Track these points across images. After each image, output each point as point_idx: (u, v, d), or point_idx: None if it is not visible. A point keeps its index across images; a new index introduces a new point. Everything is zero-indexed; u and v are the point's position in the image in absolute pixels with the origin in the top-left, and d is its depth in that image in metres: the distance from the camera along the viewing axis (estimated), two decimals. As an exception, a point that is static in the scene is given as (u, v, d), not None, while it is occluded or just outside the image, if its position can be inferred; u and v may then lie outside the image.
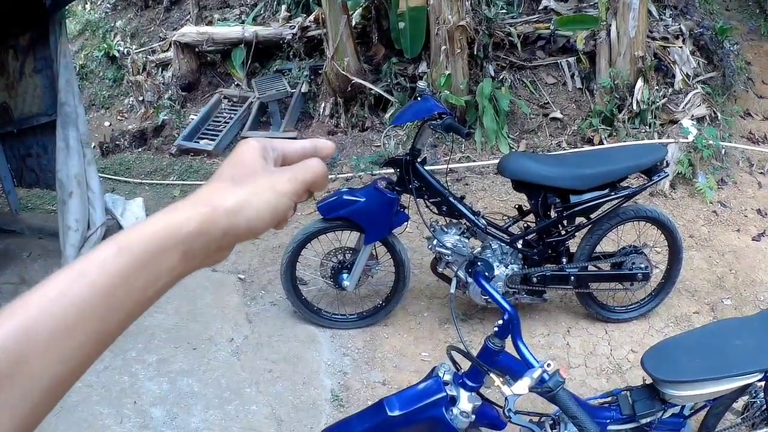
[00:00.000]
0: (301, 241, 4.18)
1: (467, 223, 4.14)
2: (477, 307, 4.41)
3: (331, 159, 6.51)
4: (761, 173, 6.17)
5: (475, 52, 6.72)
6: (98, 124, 8.78)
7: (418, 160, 4.05)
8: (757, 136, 6.67)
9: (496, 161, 4.85)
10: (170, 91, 8.29)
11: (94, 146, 7.49)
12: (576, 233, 4.21)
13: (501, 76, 6.91)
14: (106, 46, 9.44)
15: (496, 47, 6.99)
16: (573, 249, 4.27)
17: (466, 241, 4.11)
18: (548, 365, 2.15)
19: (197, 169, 6.78)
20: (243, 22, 8.36)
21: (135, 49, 9.21)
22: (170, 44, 8.49)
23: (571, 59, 7.02)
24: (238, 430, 3.71)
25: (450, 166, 5.78)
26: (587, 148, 6.27)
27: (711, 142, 5.93)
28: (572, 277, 4.17)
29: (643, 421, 2.73)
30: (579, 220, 4.17)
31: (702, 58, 7.09)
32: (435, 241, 4.09)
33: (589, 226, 4.16)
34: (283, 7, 8.20)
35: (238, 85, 8.10)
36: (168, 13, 9.72)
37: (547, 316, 4.53)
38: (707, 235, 5.39)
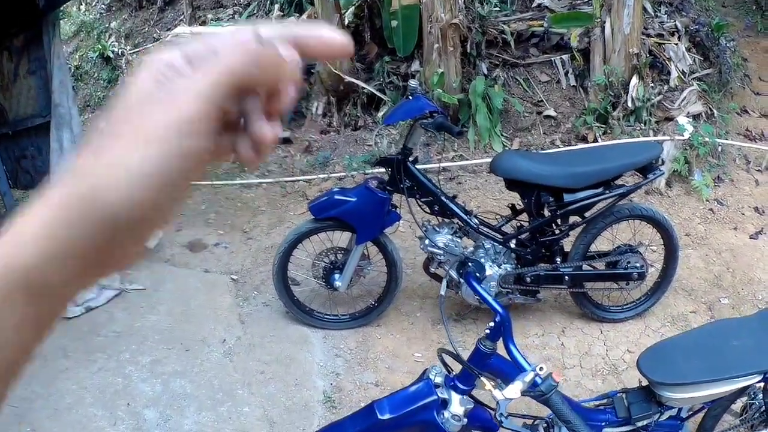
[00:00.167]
0: (293, 241, 4.15)
1: (459, 223, 4.11)
2: (470, 307, 4.37)
3: (325, 156, 6.49)
4: (758, 170, 6.14)
5: (468, 50, 6.69)
6: (93, 125, 8.74)
7: (410, 159, 4.01)
8: (754, 133, 6.64)
9: (490, 160, 4.81)
10: (164, 92, 8.26)
11: (90, 147, 7.45)
12: (570, 232, 4.16)
13: (494, 74, 6.87)
14: (100, 47, 9.43)
15: (489, 45, 6.95)
16: (567, 248, 4.22)
17: (459, 240, 4.08)
18: (540, 369, 2.13)
19: (191, 170, 6.73)
20: (236, 22, 8.32)
21: (129, 50, 9.20)
22: (164, 45, 8.45)
23: (565, 57, 6.99)
24: (231, 432, 3.69)
25: (443, 164, 5.76)
26: (581, 146, 6.24)
27: (707, 139, 5.89)
28: (566, 277, 4.14)
29: (639, 424, 2.69)
30: (573, 219, 4.13)
31: (698, 55, 7.06)
32: (427, 241, 4.05)
33: (584, 224, 4.13)
34: (276, 6, 8.17)
35: (231, 84, 8.06)
36: (162, 14, 9.72)
37: (542, 316, 4.49)
38: (704, 233, 5.35)
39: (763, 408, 2.88)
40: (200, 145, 0.51)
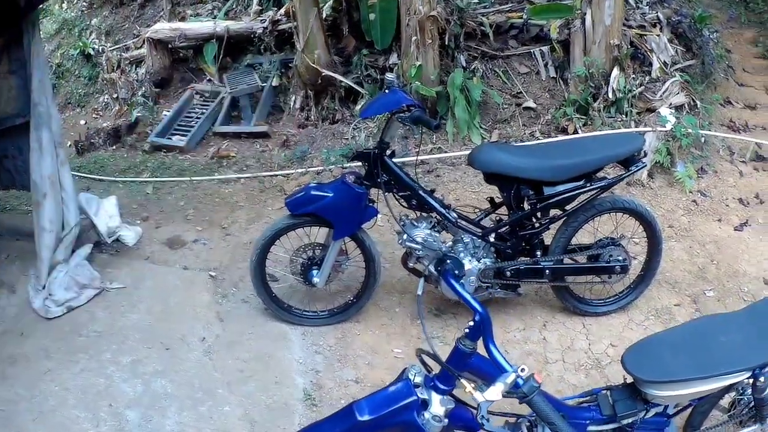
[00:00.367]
0: (270, 238, 4.10)
1: (438, 217, 4.06)
2: (450, 301, 4.33)
3: (302, 150, 6.45)
4: (742, 162, 6.13)
5: (446, 43, 6.65)
6: (74, 123, 8.72)
7: (387, 153, 3.96)
8: (738, 124, 6.63)
9: (468, 152, 4.76)
10: (144, 88, 8.24)
11: (70, 145, 7.43)
12: (550, 225, 4.12)
13: (473, 66, 6.84)
14: (81, 44, 9.37)
15: (467, 37, 6.92)
16: (548, 241, 4.17)
17: (437, 235, 4.03)
18: (522, 370, 2.08)
19: (170, 166, 6.69)
20: (215, 17, 8.28)
21: (109, 47, 9.14)
22: (143, 41, 8.41)
23: (545, 48, 6.97)
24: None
25: (421, 157, 5.72)
26: (561, 137, 6.21)
27: (690, 130, 5.87)
28: (547, 271, 4.10)
29: (625, 421, 2.65)
30: (553, 212, 4.08)
31: (680, 46, 7.06)
32: (405, 236, 4.00)
33: (564, 218, 4.08)
34: (255, 0, 8.12)
35: (209, 80, 8.03)
36: (142, 10, 9.67)
37: (523, 310, 4.45)
38: (687, 225, 5.33)
39: (752, 403, 2.85)
40: None
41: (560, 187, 3.91)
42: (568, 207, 4.04)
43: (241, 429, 3.65)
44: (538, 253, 4.12)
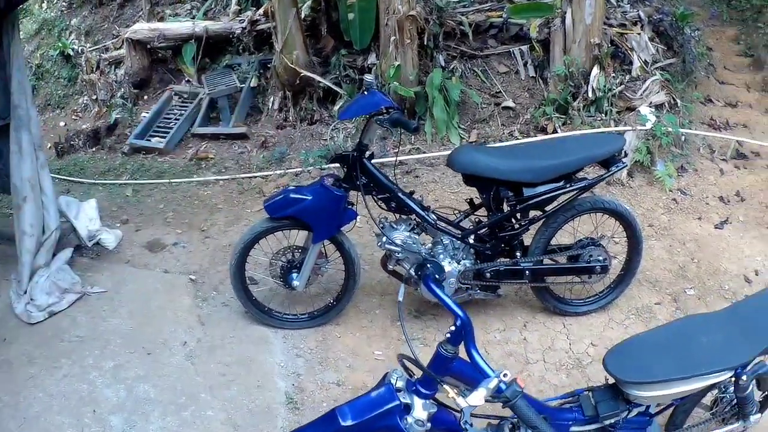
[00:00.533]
0: (249, 242, 4.08)
1: (417, 219, 4.04)
2: (429, 303, 4.32)
3: (281, 152, 6.42)
4: (723, 160, 6.14)
5: (425, 42, 6.65)
6: (54, 125, 8.68)
7: (366, 155, 3.93)
8: (719, 122, 6.66)
9: (447, 152, 4.74)
10: (123, 89, 8.19)
11: (50, 147, 7.40)
12: (530, 226, 4.11)
13: (452, 66, 6.84)
14: (61, 44, 9.31)
15: (446, 37, 6.92)
16: (528, 242, 4.16)
17: (416, 237, 4.01)
18: (504, 375, 2.08)
19: (149, 168, 6.65)
20: (194, 18, 8.24)
21: (89, 48, 9.07)
22: (123, 41, 8.35)
23: (524, 47, 6.98)
24: (195, 436, 3.64)
25: (399, 158, 5.70)
26: (541, 137, 6.22)
27: (670, 129, 5.89)
28: (527, 272, 4.08)
29: (607, 422, 2.66)
30: (533, 213, 4.07)
31: (661, 44, 7.08)
32: (384, 238, 3.98)
33: (544, 219, 4.07)
34: (234, 0, 8.08)
35: (188, 81, 8.00)
36: (121, 10, 9.63)
37: (503, 310, 4.45)
38: (667, 223, 5.34)
39: (734, 401, 2.86)
40: None
41: (540, 188, 3.89)
42: (548, 208, 4.03)
43: (224, 434, 3.63)
44: (518, 254, 4.11)
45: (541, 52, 6.83)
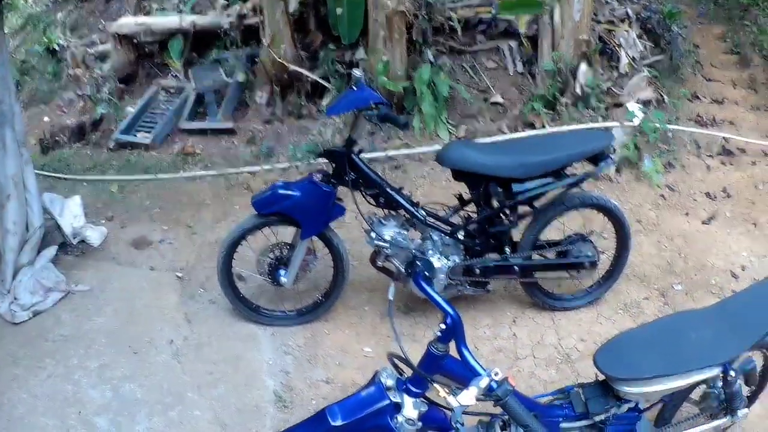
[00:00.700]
0: (236, 238, 4.06)
1: (406, 215, 4.03)
2: (419, 299, 4.31)
3: (269, 147, 6.39)
4: (710, 156, 6.16)
5: (414, 38, 6.62)
6: (38, 120, 8.56)
7: (354, 151, 3.92)
8: (705, 118, 6.66)
9: (436, 148, 4.72)
10: (108, 84, 8.09)
11: (34, 143, 7.30)
12: (519, 222, 4.10)
13: (440, 62, 6.80)
14: (46, 39, 9.21)
15: (435, 32, 6.89)
16: (517, 238, 4.17)
17: (406, 233, 4.01)
18: (496, 374, 2.07)
19: (135, 163, 6.59)
20: (181, 12, 8.18)
21: (74, 42, 8.99)
22: (108, 36, 8.27)
23: (513, 43, 6.96)
24: (183, 436, 3.62)
25: (388, 153, 5.67)
26: (529, 132, 6.22)
27: (657, 125, 5.90)
28: (516, 268, 4.09)
29: (597, 418, 2.68)
30: (522, 209, 4.07)
31: (649, 41, 7.11)
32: (373, 235, 3.97)
33: (533, 214, 4.07)
34: (221, -5, 8.03)
35: (175, 75, 7.90)
36: (108, 4, 9.52)
37: (492, 306, 4.45)
38: (655, 219, 5.36)
39: (723, 396, 2.88)
40: None
41: (529, 185, 3.89)
42: (537, 204, 4.03)
43: (212, 433, 3.61)
44: (507, 249, 4.10)
45: (529, 48, 6.83)
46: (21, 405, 3.76)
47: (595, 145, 3.94)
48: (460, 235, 4.07)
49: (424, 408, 2.32)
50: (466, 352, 2.25)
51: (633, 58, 6.72)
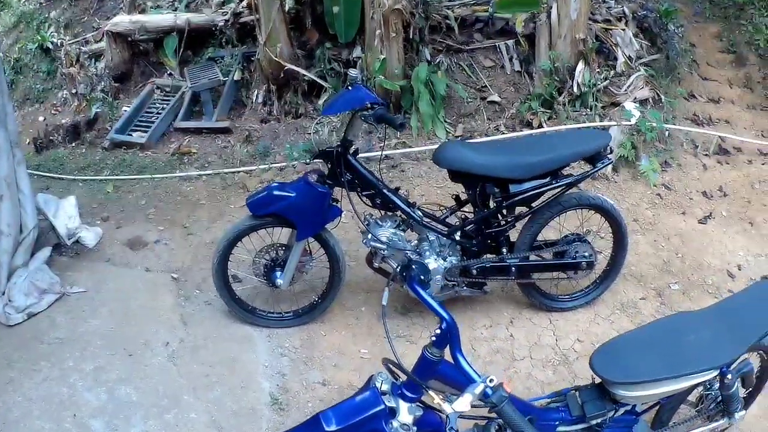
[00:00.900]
0: (231, 240, 4.03)
1: (403, 216, 4.01)
2: (416, 300, 4.26)
3: (265, 146, 6.37)
4: (706, 155, 6.17)
5: (410, 36, 6.58)
6: (32, 120, 8.53)
7: (350, 151, 3.90)
8: (702, 117, 6.67)
9: (433, 147, 4.71)
10: (103, 83, 8.05)
11: (28, 142, 7.28)
12: (516, 223, 4.09)
13: (437, 60, 6.79)
14: (40, 38, 9.16)
15: (432, 30, 6.87)
16: (514, 238, 4.15)
17: (402, 234, 3.99)
18: (491, 380, 2.06)
19: (130, 163, 6.56)
20: (176, 9, 8.14)
21: (68, 40, 8.95)
22: (103, 34, 8.24)
23: (510, 42, 6.94)
24: (179, 440, 3.60)
25: (385, 152, 5.66)
26: (527, 131, 6.22)
27: (654, 124, 5.89)
28: (513, 268, 4.08)
29: (594, 421, 2.66)
30: (519, 209, 4.06)
31: (645, 40, 7.10)
32: (369, 236, 3.95)
33: (530, 215, 4.06)
34: (217, -7, 8.00)
35: (170, 74, 7.88)
36: (102, 2, 9.45)
37: (489, 306, 4.43)
38: (652, 218, 5.36)
39: (720, 399, 2.89)
40: None
41: (526, 185, 3.88)
42: (534, 204, 4.01)
43: (208, 436, 3.60)
44: (504, 250, 4.09)
45: (526, 47, 6.82)
46: (16, 408, 3.74)
47: (592, 145, 3.93)
48: (457, 236, 4.05)
49: (419, 413, 2.31)
50: (460, 358, 2.23)
51: (630, 57, 6.72)
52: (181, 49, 7.79)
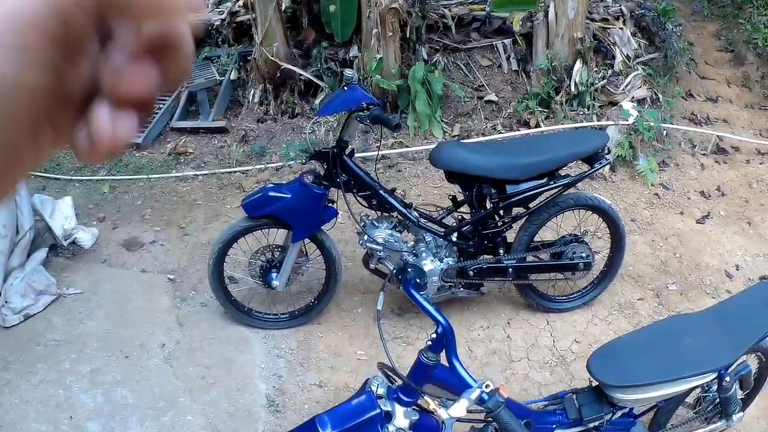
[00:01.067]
0: (227, 241, 4.00)
1: (399, 217, 3.99)
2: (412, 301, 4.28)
3: (261, 146, 6.34)
4: (704, 154, 6.15)
5: (407, 35, 6.57)
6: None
7: (346, 152, 3.88)
8: (700, 117, 6.65)
9: (430, 146, 4.69)
10: (100, 82, 8.04)
11: (27, 142, 7.23)
12: (513, 224, 4.07)
13: (434, 59, 6.78)
14: (38, 35, 9.14)
15: (429, 29, 6.85)
16: (511, 239, 4.14)
17: (398, 235, 3.97)
18: (487, 386, 2.05)
19: (126, 163, 6.53)
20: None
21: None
22: (98, 33, 8.22)
23: (507, 41, 6.92)
24: (175, 442, 3.59)
25: (381, 152, 5.64)
26: (524, 131, 6.20)
27: (652, 123, 5.88)
28: (510, 269, 4.06)
29: (591, 424, 2.65)
30: (516, 210, 4.04)
31: (643, 39, 7.08)
32: (366, 237, 3.93)
33: (527, 216, 4.04)
34: (210, -10, 7.96)
35: (167, 73, 7.86)
36: (98, 2, 9.44)
37: (486, 307, 4.42)
38: (649, 218, 5.34)
39: (718, 401, 2.88)
40: (31, 71, 0.32)
41: (524, 186, 3.86)
42: (531, 205, 4.00)
43: (205, 438, 3.59)
44: (501, 251, 4.07)
45: (523, 46, 6.80)
46: (13, 410, 3.73)
47: (590, 145, 3.91)
48: (454, 237, 4.03)
49: (416, 417, 2.29)
50: (456, 363, 2.22)
51: (627, 56, 6.70)
52: (177, 49, 7.77)
